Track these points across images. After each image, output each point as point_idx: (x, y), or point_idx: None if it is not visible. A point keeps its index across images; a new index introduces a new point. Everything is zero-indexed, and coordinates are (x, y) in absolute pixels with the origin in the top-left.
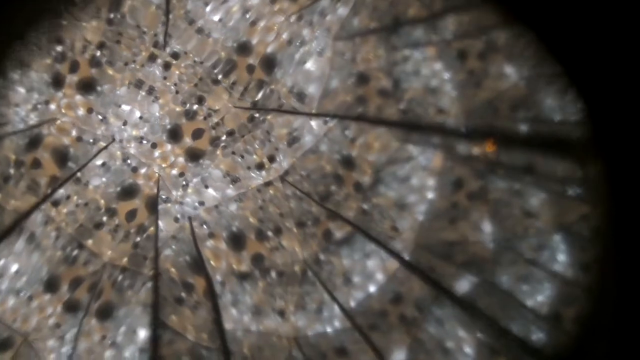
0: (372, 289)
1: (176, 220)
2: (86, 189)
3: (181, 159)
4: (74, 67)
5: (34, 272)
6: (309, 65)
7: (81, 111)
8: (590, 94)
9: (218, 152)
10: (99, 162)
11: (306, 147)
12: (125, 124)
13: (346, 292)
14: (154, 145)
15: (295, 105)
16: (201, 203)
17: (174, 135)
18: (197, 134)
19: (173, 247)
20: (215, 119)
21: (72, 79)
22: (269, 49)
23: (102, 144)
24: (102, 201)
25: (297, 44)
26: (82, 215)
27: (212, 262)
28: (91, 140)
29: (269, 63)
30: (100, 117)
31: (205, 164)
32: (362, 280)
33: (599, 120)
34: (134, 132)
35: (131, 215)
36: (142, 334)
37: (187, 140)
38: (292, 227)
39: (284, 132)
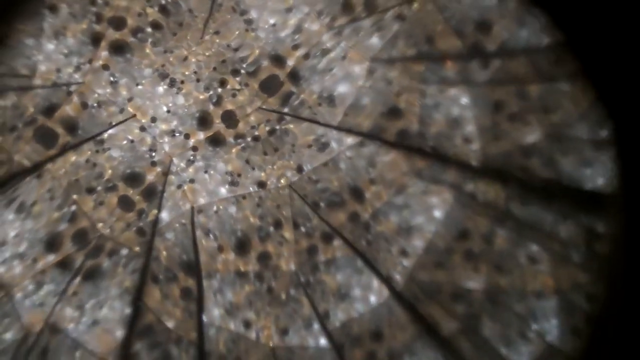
0: (358, 311)
1: (179, 187)
2: (102, 154)
3: (203, 138)
4: (118, 25)
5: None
6: (335, 70)
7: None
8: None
9: (234, 150)
10: (129, 136)
11: (326, 157)
12: (154, 120)
13: (332, 309)
14: (187, 136)
15: (324, 111)
16: (192, 181)
17: (204, 122)
18: (228, 117)
19: (173, 235)
20: (241, 98)
21: (111, 35)
22: (297, 63)
23: (112, 109)
24: (109, 171)
25: (317, 53)
26: (83, 173)
27: (219, 267)
28: (95, 105)
29: (296, 75)
30: (112, 79)
31: (219, 153)
32: (350, 301)
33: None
34: (164, 127)
35: (125, 200)
36: (104, 311)
37: (218, 124)
38: (289, 217)
39: (310, 139)
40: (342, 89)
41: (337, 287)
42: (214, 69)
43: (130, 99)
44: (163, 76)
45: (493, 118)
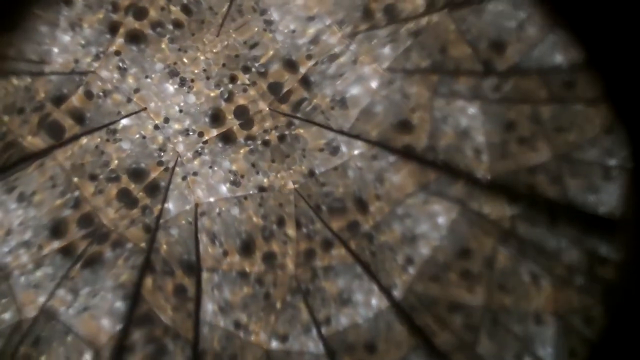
0: (362, 316)
1: (184, 178)
2: (112, 144)
3: (215, 133)
4: (139, 15)
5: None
6: (347, 74)
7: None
8: None
9: (242, 150)
10: (142, 131)
11: (339, 160)
12: (167, 120)
13: (333, 315)
14: (201, 134)
15: (337, 115)
16: (195, 174)
17: (216, 119)
18: (240, 112)
19: (177, 231)
20: (252, 92)
21: (130, 23)
22: (309, 71)
23: (118, 97)
24: (115, 161)
25: (325, 59)
26: (89, 158)
27: (224, 268)
28: (101, 93)
29: (307, 80)
30: (121, 65)
31: (227, 151)
32: (353, 306)
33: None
34: (177, 126)
35: (125, 194)
36: (96, 300)
37: (230, 119)
38: (292, 214)
39: (321, 143)
40: (354, 91)
41: (338, 292)
42: (223, 65)
43: (136, 90)
44: (173, 74)
45: (503, 136)
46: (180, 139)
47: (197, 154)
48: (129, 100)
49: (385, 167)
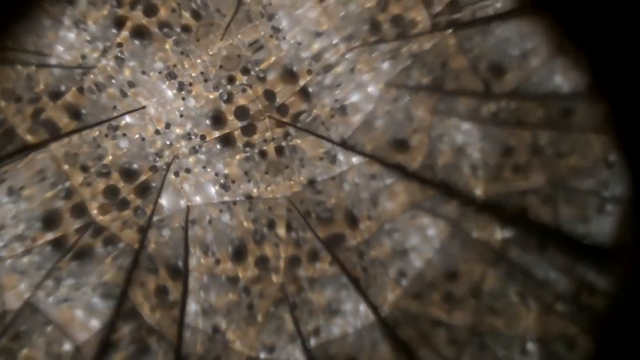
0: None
1: (176, 174)
2: (110, 139)
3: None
4: (148, 11)
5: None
6: (345, 84)
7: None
8: None
9: (238, 156)
10: (142, 132)
11: (339, 169)
12: (168, 126)
13: (322, 326)
14: (203, 137)
15: (338, 123)
16: (187, 170)
17: (218, 120)
18: (241, 112)
19: (169, 233)
20: (251, 92)
21: (138, 18)
22: (307, 83)
23: (112, 90)
24: (110, 157)
25: (320, 70)
26: (85, 150)
27: (217, 272)
28: (94, 87)
29: (306, 91)
30: (120, 55)
31: (224, 154)
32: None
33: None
34: (179, 131)
35: (112, 190)
36: (77, 294)
37: (231, 120)
38: (283, 216)
39: (320, 152)
40: (354, 98)
41: (326, 303)
42: (220, 66)
43: (131, 84)
44: (171, 76)
45: (499, 160)
46: (183, 143)
47: (194, 151)
48: (125, 94)
49: (382, 188)
